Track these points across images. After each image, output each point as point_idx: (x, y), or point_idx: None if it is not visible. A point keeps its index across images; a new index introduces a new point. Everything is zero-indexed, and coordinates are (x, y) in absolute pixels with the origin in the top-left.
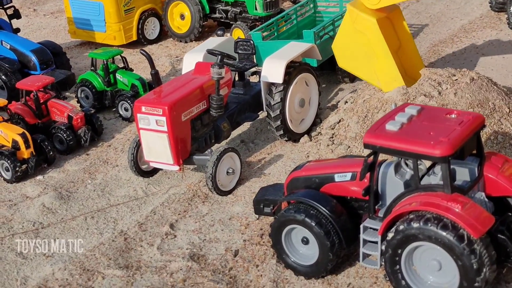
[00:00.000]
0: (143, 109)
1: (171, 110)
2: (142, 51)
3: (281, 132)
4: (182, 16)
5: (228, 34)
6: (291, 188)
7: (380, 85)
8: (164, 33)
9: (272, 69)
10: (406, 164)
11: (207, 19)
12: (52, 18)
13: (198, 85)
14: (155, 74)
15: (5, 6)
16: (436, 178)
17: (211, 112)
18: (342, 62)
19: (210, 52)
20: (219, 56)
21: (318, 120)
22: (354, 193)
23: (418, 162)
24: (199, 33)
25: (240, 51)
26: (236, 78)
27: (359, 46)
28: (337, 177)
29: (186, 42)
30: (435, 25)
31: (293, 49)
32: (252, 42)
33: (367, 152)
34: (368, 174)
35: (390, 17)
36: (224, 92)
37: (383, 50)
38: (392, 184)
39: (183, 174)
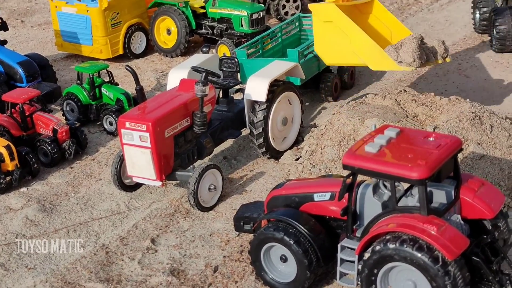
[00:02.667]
0: (127, 124)
1: (154, 126)
2: (127, 67)
3: (263, 149)
4: (169, 31)
5: (214, 51)
6: (271, 206)
7: (366, 63)
8: (150, 48)
9: (255, 87)
10: (384, 186)
11: (193, 34)
12: (39, 30)
13: (182, 102)
14: (140, 90)
15: None
16: (413, 199)
17: (194, 129)
18: (328, 60)
19: (194, 69)
20: (204, 74)
21: (300, 138)
22: (332, 212)
23: (396, 184)
24: (185, 48)
25: (224, 69)
26: (220, 95)
27: (333, 36)
28: (316, 197)
29: (172, 57)
30: None
31: (277, 67)
32: (236, 60)
33: (346, 172)
34: (346, 195)
35: (362, 9)
36: (208, 109)
37: (351, 28)
38: (370, 205)
39: (166, 189)
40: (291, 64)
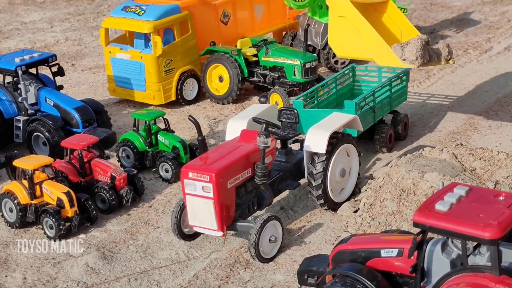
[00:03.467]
0: (190, 175)
1: (218, 177)
2: (190, 118)
3: (322, 201)
4: (221, 78)
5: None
6: (337, 261)
7: (373, 58)
8: (202, 94)
9: (315, 139)
10: (453, 243)
11: (245, 82)
12: (90, 74)
13: (244, 153)
14: (202, 141)
15: (50, 64)
16: (482, 258)
17: (255, 180)
18: (339, 52)
19: (255, 120)
20: (264, 125)
21: (357, 189)
22: (399, 269)
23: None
24: (237, 96)
25: (283, 120)
26: (278, 146)
27: (346, 30)
28: (383, 253)
29: (223, 104)
30: (470, 97)
31: (336, 119)
32: (296, 111)
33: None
34: (416, 252)
35: (377, 8)
36: (268, 160)
37: (362, 23)
38: (438, 262)
39: (224, 239)
40: (350, 117)
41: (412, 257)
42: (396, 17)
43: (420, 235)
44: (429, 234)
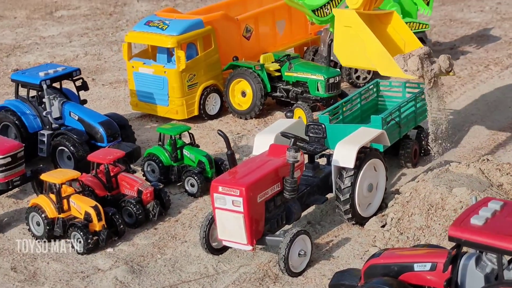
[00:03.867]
0: (220, 189)
1: (248, 191)
2: (219, 132)
3: (349, 215)
4: (244, 93)
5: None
6: (369, 275)
7: (376, 68)
8: (224, 109)
9: (344, 154)
10: (487, 258)
11: (267, 97)
12: (111, 89)
13: (273, 167)
14: (231, 155)
15: (74, 78)
16: None
17: (284, 194)
18: (344, 61)
19: (284, 134)
20: (293, 139)
21: (383, 204)
22: (432, 283)
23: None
24: (260, 111)
25: (311, 134)
26: (306, 160)
27: (351, 39)
28: (417, 267)
29: (246, 119)
30: (493, 112)
31: (364, 134)
32: (323, 126)
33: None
34: (450, 266)
35: (382, 19)
36: (297, 175)
37: (367, 34)
38: (472, 277)
39: (253, 253)
40: (378, 131)
41: (446, 271)
42: (400, 28)
43: (455, 249)
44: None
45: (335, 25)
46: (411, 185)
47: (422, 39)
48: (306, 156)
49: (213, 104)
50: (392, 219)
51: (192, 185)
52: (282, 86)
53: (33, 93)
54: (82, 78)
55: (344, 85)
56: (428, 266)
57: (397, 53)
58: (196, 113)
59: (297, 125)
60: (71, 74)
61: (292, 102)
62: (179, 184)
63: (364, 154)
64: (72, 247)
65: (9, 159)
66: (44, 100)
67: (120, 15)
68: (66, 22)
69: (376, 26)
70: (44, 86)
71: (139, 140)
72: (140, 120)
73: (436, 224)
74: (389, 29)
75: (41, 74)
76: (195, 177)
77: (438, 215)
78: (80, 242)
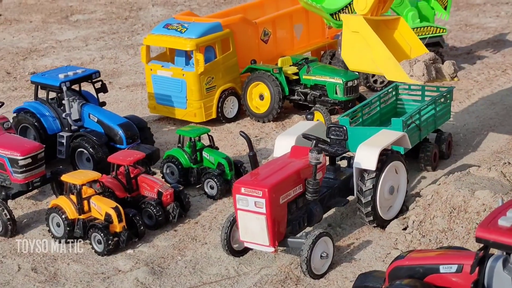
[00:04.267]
0: (243, 190)
1: (270, 193)
2: (242, 133)
3: (371, 218)
4: (261, 97)
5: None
6: (394, 277)
7: (382, 72)
8: (242, 112)
9: (365, 156)
10: None
11: (285, 100)
12: (128, 92)
13: (295, 169)
14: (253, 156)
15: (93, 80)
16: None
17: (306, 196)
18: (351, 65)
19: (305, 136)
20: (314, 141)
21: (404, 207)
22: (458, 285)
23: None
24: (277, 114)
25: (332, 136)
26: (327, 162)
27: (358, 44)
28: (442, 269)
29: (264, 122)
30: None
31: (386, 137)
32: (345, 128)
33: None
34: (477, 268)
35: (389, 24)
36: (319, 177)
37: (374, 40)
38: (499, 279)
39: (274, 255)
40: (400, 134)
41: (474, 273)
42: (406, 34)
43: (483, 250)
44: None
45: (343, 30)
46: (432, 188)
47: (440, 43)
48: (327, 158)
49: (231, 107)
50: (413, 221)
51: (212, 187)
52: (300, 90)
53: (52, 95)
54: (101, 81)
55: (361, 89)
56: (454, 268)
57: (403, 58)
58: (214, 116)
59: (318, 127)
60: (90, 76)
61: (310, 105)
62: (198, 186)
63: (386, 157)
64: (92, 248)
65: (29, 160)
66: (63, 102)
67: (136, 20)
68: (82, 26)
69: (382, 31)
70: (64, 88)
71: (157, 143)
72: (158, 123)
73: (459, 226)
74: (396, 34)
75: (61, 76)
76: (215, 179)
77: (460, 217)
78: (100, 243)
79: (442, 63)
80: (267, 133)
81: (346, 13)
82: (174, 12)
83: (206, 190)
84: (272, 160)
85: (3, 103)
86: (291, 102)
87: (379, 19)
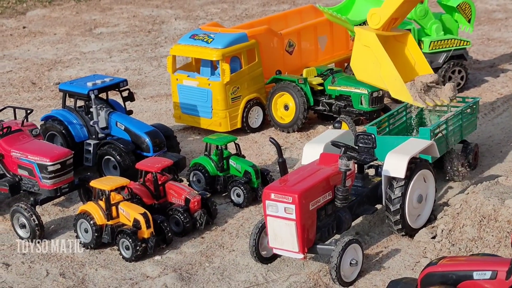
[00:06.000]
0: (273, 196)
1: (300, 199)
2: (271, 139)
3: (399, 226)
4: (286, 107)
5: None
6: (426, 284)
7: (388, 89)
8: (267, 122)
9: (394, 164)
10: None
11: (309, 111)
12: (152, 102)
13: (325, 175)
14: (283, 163)
15: (121, 88)
16: None
17: (336, 202)
18: (359, 76)
19: (334, 144)
20: (343, 148)
21: (432, 216)
22: None
23: None
24: (302, 124)
25: (360, 144)
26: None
27: (368, 58)
28: (476, 275)
29: (288, 132)
30: None
31: (414, 145)
32: (373, 136)
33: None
34: None
35: (398, 38)
36: (348, 184)
37: (384, 58)
38: None
39: (302, 262)
40: (428, 143)
41: (509, 279)
42: (413, 50)
43: None
44: None
45: (355, 42)
46: (461, 197)
47: (463, 55)
48: (356, 166)
49: (256, 117)
50: (442, 230)
51: (238, 195)
52: (324, 100)
53: (80, 103)
54: (128, 89)
55: (385, 100)
56: (488, 274)
57: (408, 75)
58: (239, 125)
59: (346, 135)
60: (118, 85)
61: (334, 116)
62: (224, 194)
63: (415, 165)
64: (120, 254)
65: (58, 166)
66: (91, 109)
67: (159, 33)
68: (106, 38)
69: (391, 43)
70: (92, 96)
71: (183, 152)
72: (183, 132)
73: (489, 235)
74: (403, 48)
75: (89, 84)
76: (241, 187)
77: (491, 226)
78: (128, 249)
79: (466, 76)
80: (292, 143)
81: None
82: (196, 26)
83: (233, 198)
84: (301, 167)
85: (32, 110)
86: (315, 112)
87: (390, 34)
